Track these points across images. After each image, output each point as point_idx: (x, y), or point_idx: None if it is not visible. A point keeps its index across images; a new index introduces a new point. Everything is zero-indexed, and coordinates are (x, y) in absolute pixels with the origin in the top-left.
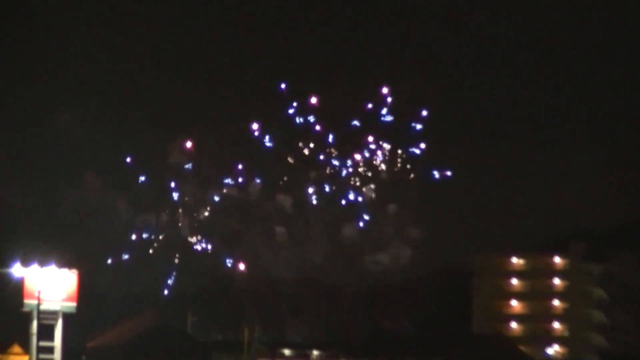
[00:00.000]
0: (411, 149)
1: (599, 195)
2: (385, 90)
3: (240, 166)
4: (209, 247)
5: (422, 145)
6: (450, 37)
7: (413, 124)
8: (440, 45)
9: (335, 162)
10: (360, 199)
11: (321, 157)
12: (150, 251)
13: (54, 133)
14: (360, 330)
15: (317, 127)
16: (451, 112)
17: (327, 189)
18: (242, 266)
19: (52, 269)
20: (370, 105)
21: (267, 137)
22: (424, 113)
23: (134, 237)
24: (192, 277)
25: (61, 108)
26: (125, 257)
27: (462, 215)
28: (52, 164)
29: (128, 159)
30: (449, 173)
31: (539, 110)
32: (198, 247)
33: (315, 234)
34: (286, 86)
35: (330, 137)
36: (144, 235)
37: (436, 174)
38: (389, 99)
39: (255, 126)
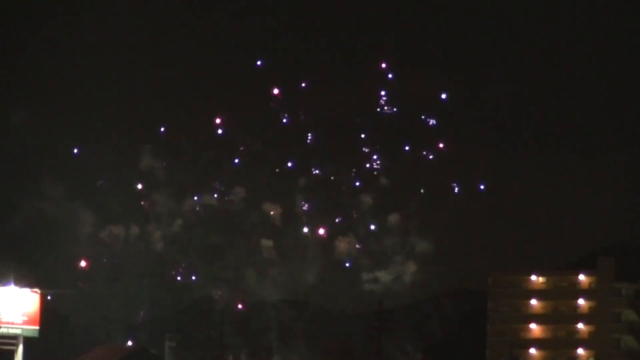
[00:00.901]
0: (424, 152)
1: (630, 206)
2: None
3: (220, 170)
4: (187, 264)
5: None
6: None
7: (425, 118)
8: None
9: (329, 166)
10: (357, 208)
11: (313, 159)
12: (120, 269)
13: (6, 132)
14: (359, 359)
15: (308, 124)
16: (467, 112)
17: (320, 196)
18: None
19: (12, 289)
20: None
21: (250, 136)
22: (443, 96)
23: (101, 253)
24: (169, 298)
25: (13, 104)
26: (93, 275)
27: (475, 227)
28: (3, 168)
29: (75, 150)
30: (482, 187)
31: (565, 113)
32: (174, 264)
33: (307, 249)
34: (265, 69)
35: (324, 137)
36: (113, 251)
37: (456, 187)
38: (390, 76)
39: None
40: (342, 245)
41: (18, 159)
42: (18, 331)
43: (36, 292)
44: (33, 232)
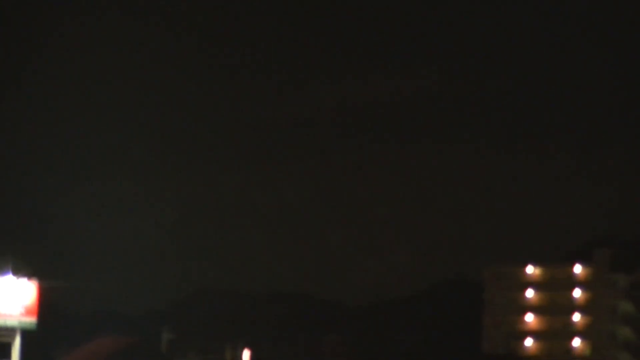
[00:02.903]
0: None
1: (626, 198)
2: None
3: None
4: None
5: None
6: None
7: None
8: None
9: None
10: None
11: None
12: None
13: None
14: (354, 351)
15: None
16: (467, 111)
17: (311, 185)
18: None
19: (9, 279)
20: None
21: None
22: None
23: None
24: (166, 290)
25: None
26: (91, 266)
27: (472, 218)
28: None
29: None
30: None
31: (561, 108)
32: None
33: (300, 239)
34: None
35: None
36: (108, 242)
37: None
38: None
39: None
40: (334, 234)
41: (18, 152)
42: (15, 323)
43: (34, 282)
44: (32, 221)
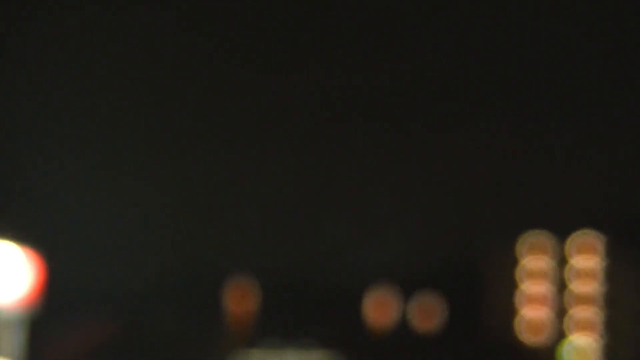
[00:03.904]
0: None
1: (627, 182)
2: None
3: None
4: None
5: None
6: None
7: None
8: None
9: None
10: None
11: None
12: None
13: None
14: (351, 337)
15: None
16: (467, 92)
17: (308, 169)
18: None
19: (5, 262)
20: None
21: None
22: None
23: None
24: (161, 272)
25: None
26: (84, 248)
27: (473, 200)
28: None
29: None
30: None
31: (568, 80)
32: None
33: (297, 223)
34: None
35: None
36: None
37: None
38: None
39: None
40: (325, 215)
41: (13, 135)
42: (12, 307)
43: (31, 265)
44: (25, 203)
